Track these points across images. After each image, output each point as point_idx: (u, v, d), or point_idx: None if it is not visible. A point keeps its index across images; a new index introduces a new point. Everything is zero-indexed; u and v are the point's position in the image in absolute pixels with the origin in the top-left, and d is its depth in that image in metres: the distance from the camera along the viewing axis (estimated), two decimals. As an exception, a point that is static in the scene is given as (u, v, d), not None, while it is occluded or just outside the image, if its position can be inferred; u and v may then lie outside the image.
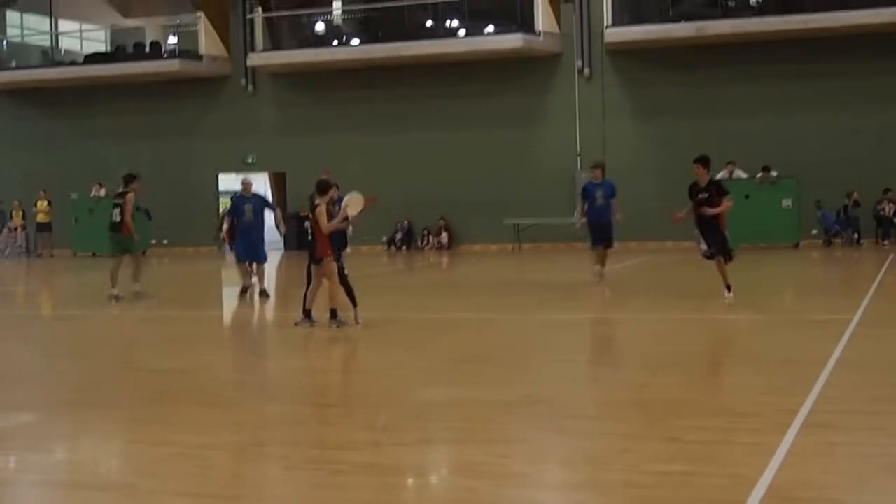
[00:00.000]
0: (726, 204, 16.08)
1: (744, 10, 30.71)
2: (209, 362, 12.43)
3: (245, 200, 19.44)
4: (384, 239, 33.90)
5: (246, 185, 19.67)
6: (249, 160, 35.90)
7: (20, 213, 36.44)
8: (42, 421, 8.90)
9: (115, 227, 19.35)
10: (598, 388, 10.04)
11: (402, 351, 12.65)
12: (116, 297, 18.87)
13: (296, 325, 14.45)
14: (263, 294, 19.08)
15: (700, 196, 16.07)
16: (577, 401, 9.43)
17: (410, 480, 7.05)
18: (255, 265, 19.37)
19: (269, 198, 19.36)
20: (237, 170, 37.35)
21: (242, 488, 6.80)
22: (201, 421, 8.74)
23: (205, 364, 12.22)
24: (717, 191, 16.13)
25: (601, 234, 20.14)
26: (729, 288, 15.92)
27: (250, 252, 19.25)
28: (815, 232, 29.65)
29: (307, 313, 14.45)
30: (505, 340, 13.52)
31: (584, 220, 20.25)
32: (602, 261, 20.20)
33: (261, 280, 19.42)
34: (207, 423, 8.63)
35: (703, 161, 16.33)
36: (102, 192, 34.77)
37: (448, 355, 12.13)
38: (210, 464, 7.42)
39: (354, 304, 14.58)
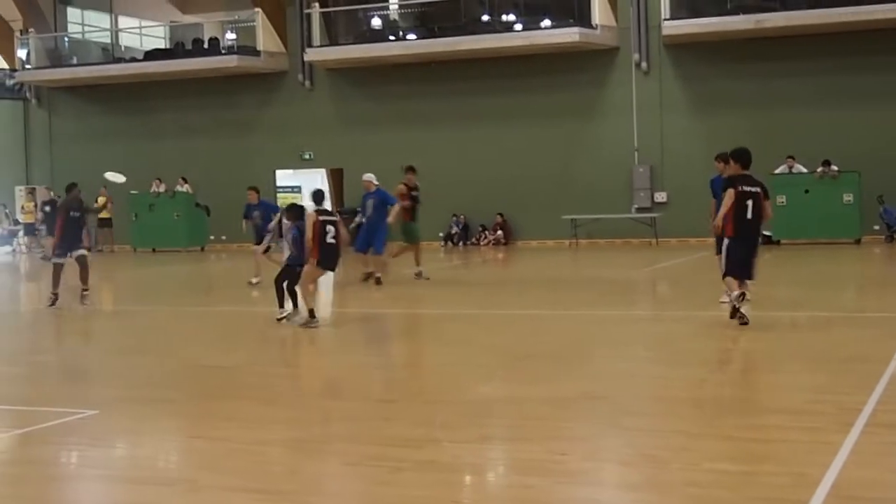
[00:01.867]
0: (717, 213, 13.58)
1: (803, 3, 30.32)
2: (265, 358, 12.50)
3: (368, 196, 20.65)
4: (440, 235, 33.91)
5: (367, 182, 20.80)
6: (306, 156, 36.06)
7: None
8: (102, 416, 8.98)
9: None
10: (655, 385, 9.97)
11: (460, 347, 12.65)
12: (419, 274, 20.86)
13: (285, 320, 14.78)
14: (378, 281, 20.03)
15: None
16: (634, 398, 9.37)
17: (469, 478, 7.03)
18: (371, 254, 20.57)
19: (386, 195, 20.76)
20: (294, 166, 37.61)
21: (302, 484, 6.83)
22: (259, 417, 8.79)
23: (261, 360, 12.29)
24: (722, 190, 13.61)
25: None
26: (736, 311, 13.07)
27: (366, 243, 20.38)
28: (877, 227, 29.27)
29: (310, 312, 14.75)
30: (562, 337, 13.47)
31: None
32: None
33: (378, 268, 20.44)
34: (265, 419, 8.68)
35: (722, 156, 14.23)
36: (162, 188, 35.11)
37: (505, 352, 12.10)
38: (269, 459, 7.45)
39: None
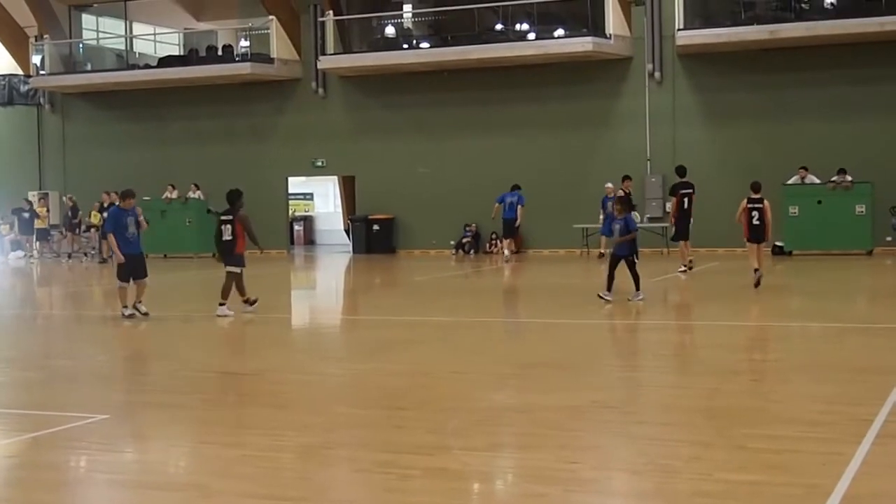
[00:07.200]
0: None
1: (817, 13, 30.28)
2: (278, 365, 12.49)
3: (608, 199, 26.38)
4: (452, 243, 33.90)
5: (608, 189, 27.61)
6: (319, 163, 36.10)
7: (97, 215, 36.71)
8: (113, 421, 9.00)
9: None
10: (666, 394, 9.96)
11: (471, 355, 12.64)
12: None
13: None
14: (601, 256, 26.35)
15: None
16: (645, 407, 9.36)
17: (480, 486, 7.03)
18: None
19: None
20: (307, 173, 37.65)
21: (312, 490, 6.83)
22: (271, 423, 8.79)
23: (274, 367, 12.29)
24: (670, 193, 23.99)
25: None
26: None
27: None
28: (889, 239, 29.17)
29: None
30: (573, 345, 13.46)
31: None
32: None
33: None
34: (277, 426, 8.68)
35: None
36: (174, 195, 35.15)
37: (516, 360, 12.10)
38: (279, 465, 7.46)
39: None
